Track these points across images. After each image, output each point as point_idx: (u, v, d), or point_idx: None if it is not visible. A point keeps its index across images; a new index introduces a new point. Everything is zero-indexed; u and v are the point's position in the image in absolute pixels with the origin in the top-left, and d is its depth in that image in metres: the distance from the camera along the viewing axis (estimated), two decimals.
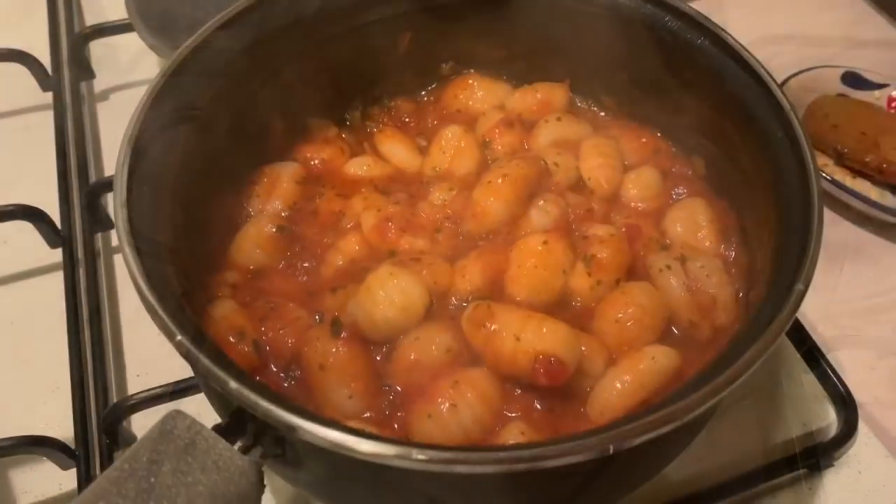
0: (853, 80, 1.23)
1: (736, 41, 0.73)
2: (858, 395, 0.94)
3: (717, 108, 0.75)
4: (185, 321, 0.53)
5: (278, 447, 0.55)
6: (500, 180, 0.77)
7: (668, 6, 0.77)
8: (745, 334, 0.55)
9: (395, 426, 0.66)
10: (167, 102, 0.73)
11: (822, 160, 1.16)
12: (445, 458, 0.47)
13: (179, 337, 0.52)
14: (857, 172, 1.13)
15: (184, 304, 0.59)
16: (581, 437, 0.49)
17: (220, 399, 0.61)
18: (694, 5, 1.45)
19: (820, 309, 1.03)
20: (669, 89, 0.81)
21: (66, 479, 0.82)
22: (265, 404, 0.49)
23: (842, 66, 1.23)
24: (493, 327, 0.67)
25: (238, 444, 0.53)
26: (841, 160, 1.14)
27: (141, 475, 0.49)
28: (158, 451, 0.50)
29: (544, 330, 0.65)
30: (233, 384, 0.50)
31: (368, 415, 0.67)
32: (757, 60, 0.71)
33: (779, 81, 1.18)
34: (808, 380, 0.91)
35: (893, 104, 1.21)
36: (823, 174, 1.10)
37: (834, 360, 0.98)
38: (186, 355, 0.52)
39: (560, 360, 0.64)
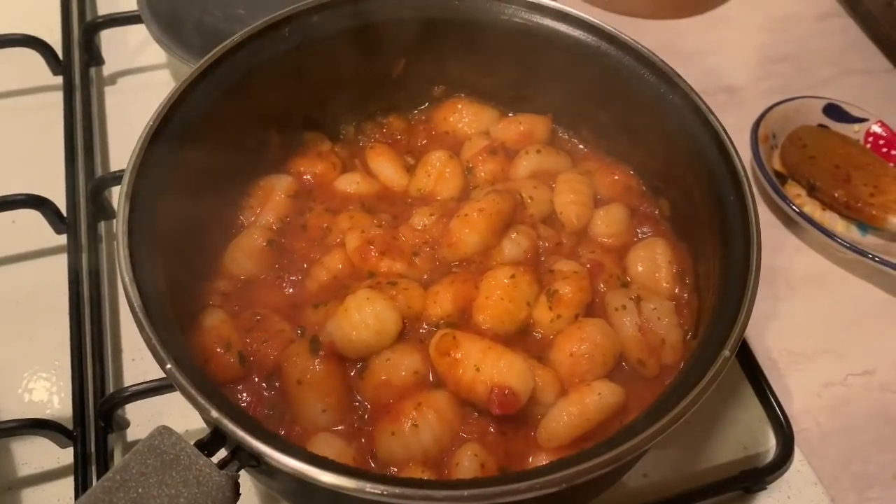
0: (835, 112, 1.27)
1: (705, 105, 0.77)
2: (801, 420, 1.01)
3: (682, 161, 0.80)
4: (176, 350, 0.60)
5: (253, 461, 0.62)
6: (475, 214, 0.82)
7: (646, 60, 0.82)
8: (672, 391, 0.62)
9: (363, 440, 0.73)
10: (173, 121, 0.78)
11: (796, 190, 1.21)
12: (396, 492, 0.54)
13: (169, 366, 0.58)
14: (828, 205, 1.18)
15: (173, 324, 0.66)
16: (519, 478, 0.56)
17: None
18: (692, 20, 1.50)
19: (777, 334, 1.09)
20: (643, 134, 0.87)
21: (64, 455, 0.90)
22: (240, 433, 0.56)
23: (825, 97, 1.27)
24: (456, 356, 0.73)
25: (219, 457, 0.61)
26: (813, 192, 1.19)
27: (130, 486, 0.56)
28: (146, 464, 0.57)
29: (502, 363, 0.71)
30: (213, 413, 0.57)
31: (340, 427, 0.74)
32: (723, 128, 0.76)
33: (766, 107, 1.26)
34: (754, 404, 0.97)
35: (870, 139, 1.25)
36: (793, 206, 1.15)
37: (783, 386, 1.05)
38: (175, 383, 0.58)
39: (514, 392, 0.71)
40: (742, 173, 0.72)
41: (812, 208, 1.18)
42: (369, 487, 0.53)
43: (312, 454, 0.57)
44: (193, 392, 0.57)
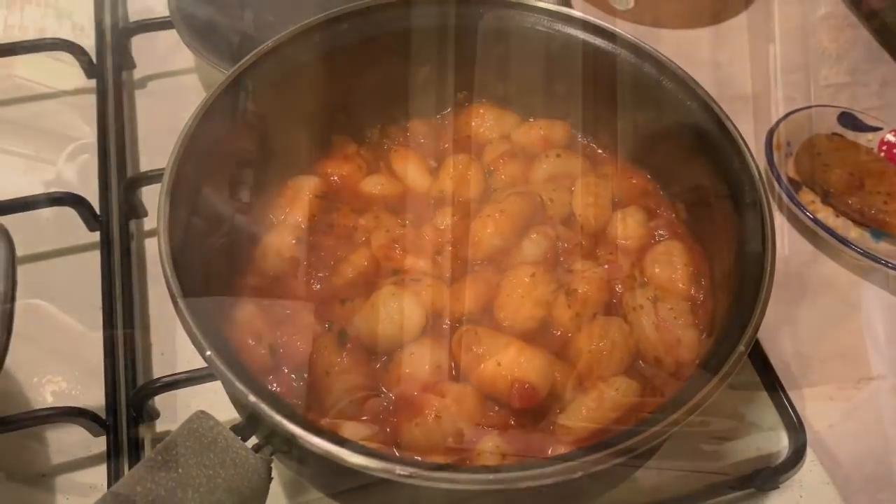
0: (849, 120, 1.29)
1: (723, 111, 0.80)
2: (814, 422, 1.03)
3: (699, 166, 0.83)
4: (215, 340, 0.63)
5: (286, 446, 0.65)
6: (498, 214, 0.85)
7: (665, 69, 0.85)
8: (690, 384, 0.64)
9: (388, 430, 0.76)
10: (212, 124, 0.81)
11: (811, 197, 1.23)
12: (424, 474, 0.56)
13: (209, 353, 0.61)
14: (842, 212, 1.20)
15: (210, 315, 0.69)
16: (542, 465, 0.59)
17: (237, 403, 0.71)
18: (707, 30, 1.53)
19: (790, 338, 1.11)
20: (660, 140, 0.89)
21: (95, 444, 0.93)
22: (277, 417, 0.59)
23: (839, 106, 1.30)
24: (478, 351, 0.76)
25: (251, 442, 0.64)
26: (827, 199, 1.21)
27: (171, 466, 0.59)
28: (186, 446, 0.60)
29: (522, 359, 0.74)
30: (251, 398, 0.60)
31: (366, 417, 0.76)
32: (740, 134, 0.78)
33: (780, 115, 1.28)
34: (768, 407, 0.99)
35: (884, 147, 1.27)
36: (807, 212, 1.17)
37: (797, 389, 1.07)
38: (214, 369, 0.61)
39: (533, 386, 0.73)
40: (757, 176, 0.74)
41: (826, 215, 1.20)
42: (399, 469, 0.56)
43: (342, 437, 0.60)
44: (232, 377, 0.60)
